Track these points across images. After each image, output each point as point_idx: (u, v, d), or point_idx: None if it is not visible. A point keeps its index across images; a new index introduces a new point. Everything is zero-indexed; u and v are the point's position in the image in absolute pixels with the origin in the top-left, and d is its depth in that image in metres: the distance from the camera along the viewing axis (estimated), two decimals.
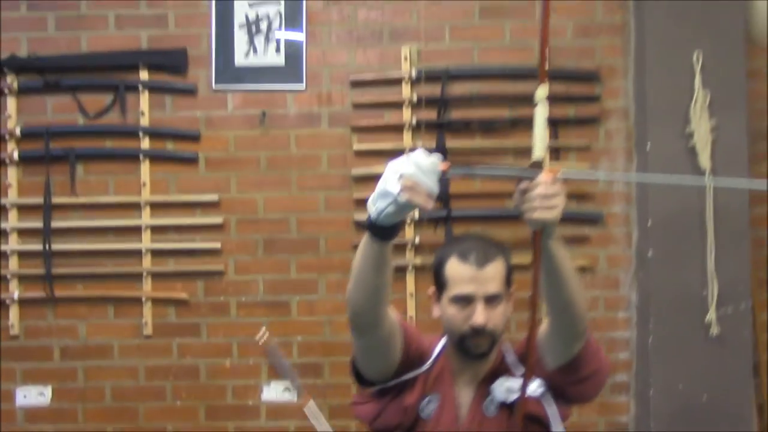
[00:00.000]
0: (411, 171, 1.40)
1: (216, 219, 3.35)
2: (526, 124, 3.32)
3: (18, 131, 3.31)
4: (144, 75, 3.35)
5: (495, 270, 1.70)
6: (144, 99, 3.34)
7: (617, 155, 3.39)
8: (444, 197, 3.30)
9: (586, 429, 3.37)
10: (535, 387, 1.68)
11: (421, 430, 1.75)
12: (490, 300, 1.69)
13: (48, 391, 3.34)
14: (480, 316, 1.67)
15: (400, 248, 3.29)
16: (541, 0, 1.72)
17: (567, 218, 3.30)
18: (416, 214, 3.29)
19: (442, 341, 1.81)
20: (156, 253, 3.35)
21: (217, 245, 3.35)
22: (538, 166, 1.46)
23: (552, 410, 1.70)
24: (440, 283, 1.74)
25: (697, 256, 3.20)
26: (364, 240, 1.53)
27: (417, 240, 3.30)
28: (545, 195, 1.42)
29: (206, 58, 3.36)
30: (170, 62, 3.34)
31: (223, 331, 3.35)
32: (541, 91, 1.50)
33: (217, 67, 3.35)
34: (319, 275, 3.36)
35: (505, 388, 1.70)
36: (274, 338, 2.12)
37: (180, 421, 3.34)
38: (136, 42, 3.37)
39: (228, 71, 3.34)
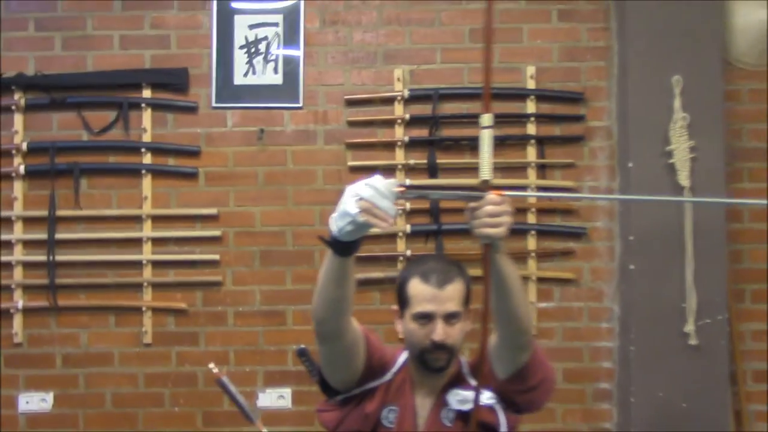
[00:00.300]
0: (369, 194, 1.54)
1: (215, 232, 3.47)
2: (514, 142, 3.50)
3: (24, 146, 3.43)
4: (147, 93, 3.47)
5: (454, 290, 1.82)
6: (146, 116, 3.47)
7: (601, 172, 3.53)
8: (434, 211, 3.44)
9: None
10: (487, 396, 1.79)
11: None
12: (449, 318, 1.80)
13: (50, 397, 3.43)
14: (439, 333, 1.79)
15: (392, 260, 3.42)
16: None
17: (553, 232, 3.50)
18: (408, 228, 3.43)
19: (404, 354, 1.91)
20: (156, 264, 3.47)
21: (216, 257, 3.47)
22: (485, 186, 1.59)
23: (502, 419, 1.80)
24: (403, 301, 1.85)
25: (677, 270, 3.33)
26: (327, 255, 1.65)
27: (408, 253, 3.42)
28: (492, 213, 1.56)
29: (207, 77, 3.49)
30: (172, 81, 3.47)
31: (220, 339, 3.46)
32: (486, 118, 1.61)
33: (217, 85, 3.48)
34: (314, 286, 3.43)
35: (460, 398, 1.80)
36: (223, 372, 2.26)
37: (178, 426, 3.44)
38: (140, 61, 3.50)
39: (228, 90, 3.48)
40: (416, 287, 1.82)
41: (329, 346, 1.76)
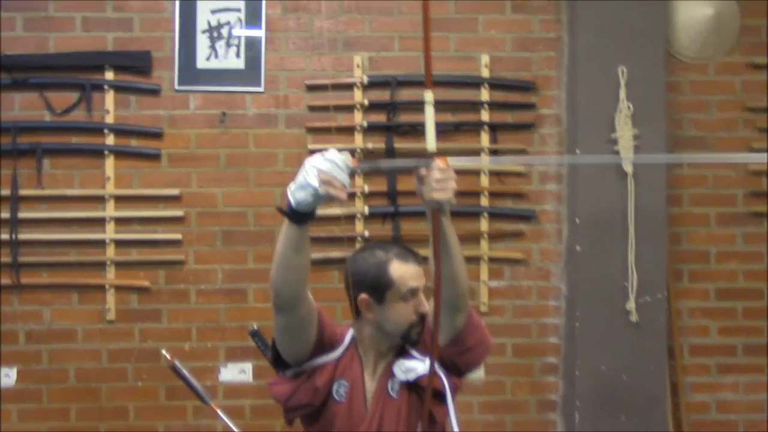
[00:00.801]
0: (327, 167, 1.65)
1: (177, 212, 3.55)
2: (469, 128, 3.64)
3: None
4: (110, 75, 3.52)
5: (421, 267, 1.98)
6: (109, 98, 3.52)
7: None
8: (392, 194, 3.58)
9: (519, 406, 3.68)
10: (431, 363, 1.90)
11: (333, 411, 1.95)
12: (422, 291, 1.96)
13: (13, 372, 3.50)
14: (425, 304, 1.94)
15: (351, 240, 3.55)
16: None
17: (504, 215, 3.66)
18: (366, 210, 3.56)
19: (351, 332, 2.02)
20: (119, 243, 3.54)
21: (178, 236, 3.55)
22: (431, 156, 1.72)
23: (447, 382, 1.92)
24: (384, 286, 1.92)
25: (620, 251, 3.52)
26: (285, 226, 1.75)
27: (366, 233, 3.55)
28: (440, 179, 1.69)
29: (169, 60, 3.55)
30: (135, 63, 3.52)
31: (183, 316, 3.56)
32: (428, 95, 1.74)
33: (179, 69, 3.54)
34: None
35: (404, 369, 1.93)
36: (175, 358, 2.36)
37: (141, 401, 3.54)
38: (103, 43, 3.54)
39: (190, 73, 3.54)
40: (400, 269, 1.93)
41: (286, 316, 1.85)
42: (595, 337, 3.54)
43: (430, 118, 1.73)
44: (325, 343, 1.96)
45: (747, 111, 3.76)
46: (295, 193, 1.68)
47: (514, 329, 3.68)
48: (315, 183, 1.64)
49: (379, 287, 1.93)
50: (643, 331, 3.54)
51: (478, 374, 3.66)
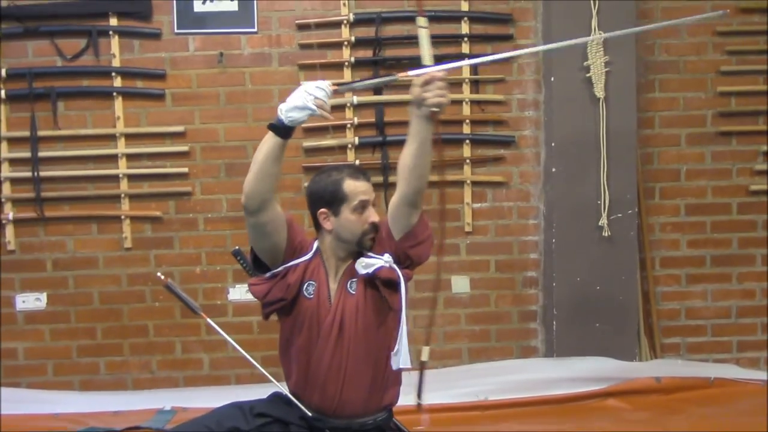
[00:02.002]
0: (322, 94, 2.07)
1: (183, 147, 3.85)
2: (451, 60, 3.85)
3: (3, 73, 3.74)
4: (113, 21, 3.78)
5: (370, 184, 2.29)
6: (114, 43, 3.79)
7: (528, 86, 3.93)
8: (380, 125, 3.84)
9: (502, 317, 4.01)
10: (387, 258, 2.22)
11: (305, 306, 2.25)
12: (373, 204, 2.27)
13: (43, 297, 3.87)
14: (375, 215, 2.25)
15: None
16: None
17: (485, 141, 3.92)
18: (356, 140, 3.83)
19: (316, 242, 2.32)
20: (132, 178, 3.86)
21: (185, 170, 3.86)
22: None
23: (400, 274, 2.21)
24: (338, 200, 2.22)
25: (593, 171, 3.79)
26: (268, 138, 2.12)
27: (357, 162, 3.83)
28: (441, 86, 2.04)
29: (168, 5, 3.80)
30: (136, 9, 3.77)
31: (193, 243, 3.90)
32: (422, 20, 2.16)
33: (178, 13, 3.79)
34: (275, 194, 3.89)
35: (365, 264, 2.23)
36: (168, 277, 2.66)
37: (159, 319, 3.91)
38: None
39: (188, 17, 3.79)
40: (351, 184, 2.23)
41: (255, 218, 2.16)
42: (570, 251, 3.84)
43: (424, 39, 2.13)
44: (296, 248, 2.27)
45: (716, 35, 3.95)
46: (290, 113, 2.06)
47: (496, 247, 3.98)
48: (312, 106, 2.05)
49: (334, 201, 2.24)
50: (615, 245, 3.81)
51: (465, 288, 3.99)
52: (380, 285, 2.22)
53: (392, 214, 2.24)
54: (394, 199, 2.22)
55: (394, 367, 2.22)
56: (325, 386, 2.24)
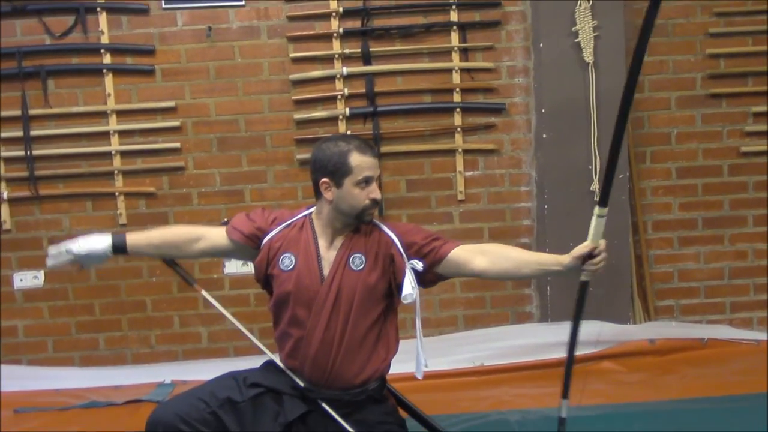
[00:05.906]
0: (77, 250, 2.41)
1: (174, 122, 3.86)
2: (439, 28, 3.87)
3: None
4: None
5: (377, 159, 2.28)
6: (102, 19, 3.78)
7: (517, 53, 3.93)
8: (370, 95, 3.85)
9: (497, 284, 4.01)
10: (419, 265, 2.22)
11: (283, 278, 2.24)
12: (376, 180, 2.27)
13: (41, 274, 3.91)
14: (377, 192, 2.25)
15: None
16: None
17: (477, 109, 3.91)
18: (347, 111, 3.84)
19: (304, 212, 2.33)
20: (124, 154, 3.87)
21: (177, 145, 3.87)
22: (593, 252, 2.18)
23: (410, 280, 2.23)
24: (343, 172, 2.20)
25: (583, 137, 3.80)
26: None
27: (349, 132, 3.84)
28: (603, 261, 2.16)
29: None
30: None
31: (187, 217, 3.90)
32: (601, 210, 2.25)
33: None
34: (267, 167, 3.92)
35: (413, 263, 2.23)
36: None
37: (157, 294, 3.95)
38: None
39: None
40: (357, 158, 2.19)
41: (211, 257, 2.42)
42: (562, 216, 3.85)
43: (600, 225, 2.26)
44: (260, 234, 2.30)
45: None
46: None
47: (489, 214, 4.01)
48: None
49: (339, 173, 2.21)
50: (608, 209, 3.82)
51: None
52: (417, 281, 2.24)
53: (460, 262, 2.23)
54: (483, 261, 2.23)
55: (419, 377, 2.30)
56: (317, 359, 2.24)
